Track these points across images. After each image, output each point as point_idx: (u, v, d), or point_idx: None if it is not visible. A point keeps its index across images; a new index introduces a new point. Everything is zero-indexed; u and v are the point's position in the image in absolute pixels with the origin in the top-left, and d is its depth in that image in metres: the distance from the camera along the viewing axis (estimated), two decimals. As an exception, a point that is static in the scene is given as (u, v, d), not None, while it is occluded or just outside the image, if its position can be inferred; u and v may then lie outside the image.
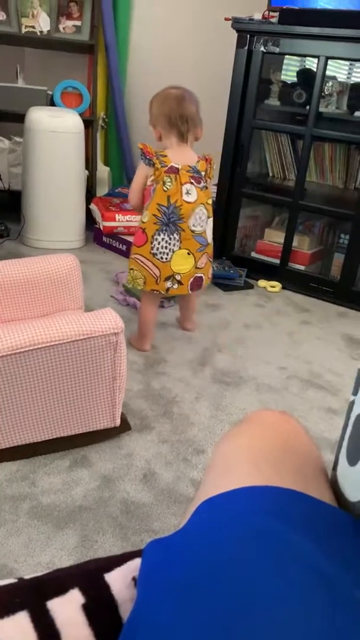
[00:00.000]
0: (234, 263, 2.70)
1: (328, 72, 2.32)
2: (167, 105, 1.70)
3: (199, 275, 1.81)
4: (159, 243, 1.71)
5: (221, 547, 0.47)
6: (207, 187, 1.74)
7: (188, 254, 1.73)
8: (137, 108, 3.25)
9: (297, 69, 2.70)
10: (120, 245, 2.82)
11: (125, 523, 1.18)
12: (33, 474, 1.30)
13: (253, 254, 2.77)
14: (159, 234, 1.70)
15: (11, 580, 0.57)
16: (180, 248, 1.72)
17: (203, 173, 1.72)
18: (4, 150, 3.03)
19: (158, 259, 1.73)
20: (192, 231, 1.71)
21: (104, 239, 2.90)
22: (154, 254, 1.72)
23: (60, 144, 2.67)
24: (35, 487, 1.26)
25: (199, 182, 1.71)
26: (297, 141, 2.66)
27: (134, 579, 0.56)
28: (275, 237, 2.71)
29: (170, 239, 1.70)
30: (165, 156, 1.70)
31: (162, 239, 1.71)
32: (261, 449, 0.59)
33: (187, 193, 1.68)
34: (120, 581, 0.55)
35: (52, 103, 3.01)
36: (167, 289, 1.78)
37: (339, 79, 2.57)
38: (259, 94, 2.48)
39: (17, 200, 2.90)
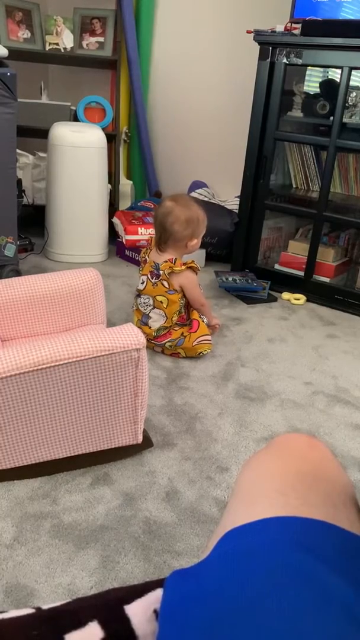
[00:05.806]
0: (257, 275, 2.67)
1: (352, 82, 2.29)
2: (156, 212, 1.94)
3: (157, 340, 1.98)
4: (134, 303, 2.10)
5: (247, 582, 0.45)
6: (158, 285, 1.93)
7: (137, 320, 2.03)
8: (160, 122, 3.27)
9: (320, 80, 2.68)
10: (143, 258, 2.82)
11: (148, 543, 1.16)
12: (54, 491, 1.28)
13: (276, 266, 2.74)
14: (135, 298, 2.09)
15: (29, 611, 0.55)
16: (134, 313, 2.07)
17: (161, 272, 1.91)
18: (28, 166, 3.07)
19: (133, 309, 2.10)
20: (138, 309, 2.02)
21: (127, 252, 2.90)
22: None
23: (83, 159, 2.68)
24: (56, 505, 1.24)
25: (152, 277, 1.94)
26: (321, 152, 2.63)
27: (155, 611, 0.54)
28: (299, 249, 2.68)
29: (134, 304, 2.08)
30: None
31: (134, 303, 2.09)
32: (288, 476, 0.56)
33: (142, 283, 2.00)
34: (140, 614, 0.53)
35: (75, 118, 3.04)
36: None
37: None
38: (282, 106, 2.46)
39: (41, 215, 2.92)
